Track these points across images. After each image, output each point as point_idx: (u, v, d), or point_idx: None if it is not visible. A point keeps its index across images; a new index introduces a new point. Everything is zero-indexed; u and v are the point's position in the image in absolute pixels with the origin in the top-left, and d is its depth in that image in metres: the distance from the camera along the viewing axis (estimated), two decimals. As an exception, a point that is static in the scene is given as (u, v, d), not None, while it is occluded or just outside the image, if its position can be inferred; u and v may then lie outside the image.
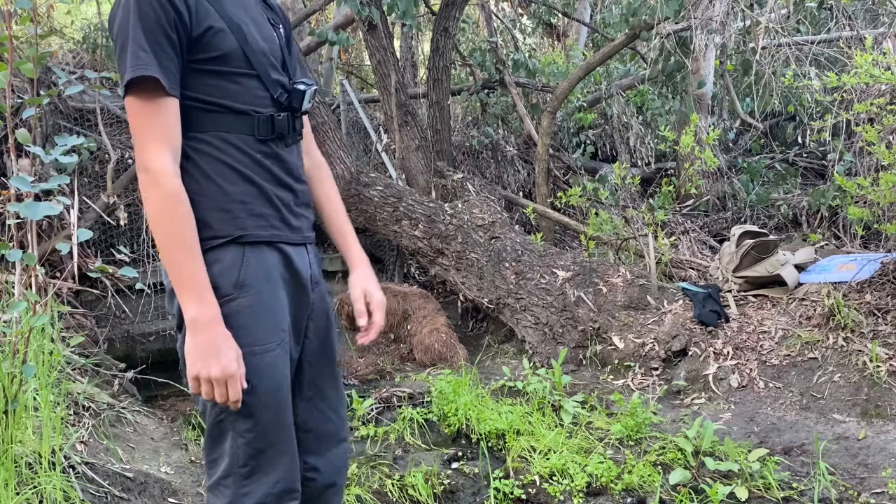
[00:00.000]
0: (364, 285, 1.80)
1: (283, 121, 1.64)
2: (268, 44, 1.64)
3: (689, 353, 4.17)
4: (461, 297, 5.64)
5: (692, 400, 3.88)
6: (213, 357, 1.45)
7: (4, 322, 2.75)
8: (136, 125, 1.48)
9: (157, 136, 1.47)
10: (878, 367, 3.54)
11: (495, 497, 2.96)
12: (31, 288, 2.74)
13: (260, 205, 1.60)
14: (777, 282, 4.43)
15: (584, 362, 4.50)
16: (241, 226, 1.56)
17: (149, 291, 5.14)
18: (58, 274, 4.81)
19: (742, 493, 2.78)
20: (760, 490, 2.84)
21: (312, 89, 1.69)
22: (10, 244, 2.42)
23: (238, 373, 1.48)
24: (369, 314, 1.79)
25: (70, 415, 3.10)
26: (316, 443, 1.76)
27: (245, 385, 1.51)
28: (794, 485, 2.88)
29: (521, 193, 7.84)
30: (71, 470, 2.58)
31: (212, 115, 1.56)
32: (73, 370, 3.62)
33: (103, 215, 5.53)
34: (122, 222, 5.48)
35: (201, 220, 1.54)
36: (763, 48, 6.23)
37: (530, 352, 4.73)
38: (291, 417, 1.64)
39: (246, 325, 1.55)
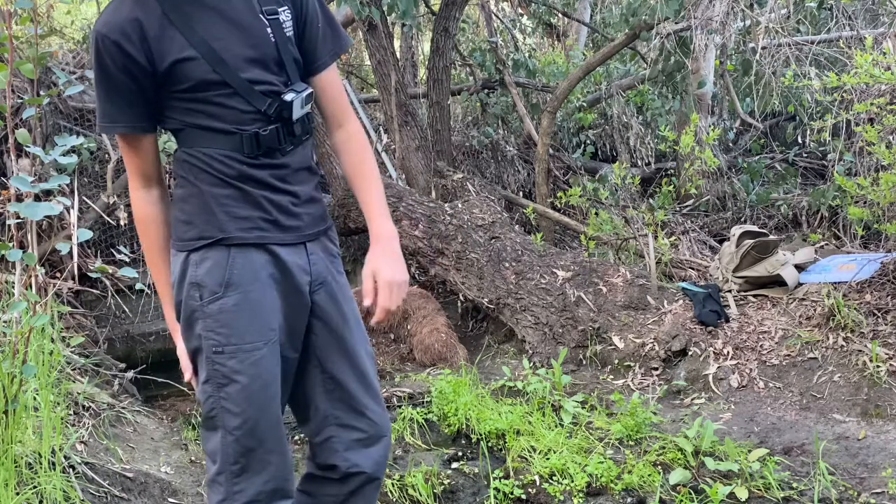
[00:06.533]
0: (375, 264, 1.67)
1: (271, 135, 1.61)
2: (255, 50, 1.59)
3: (689, 353, 4.17)
4: (461, 297, 5.63)
5: (692, 400, 3.88)
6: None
7: (4, 322, 2.75)
8: (122, 156, 1.72)
9: (131, 170, 1.70)
10: (878, 367, 3.54)
11: (495, 497, 2.96)
12: (31, 288, 2.73)
13: (245, 208, 1.63)
14: (777, 282, 4.42)
15: (584, 362, 4.50)
16: (222, 228, 1.62)
17: (148, 291, 5.12)
18: (58, 274, 4.80)
19: (742, 493, 2.78)
20: (760, 490, 2.84)
21: (305, 94, 1.64)
22: (10, 244, 2.41)
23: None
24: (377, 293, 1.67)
25: (70, 415, 3.10)
26: (356, 439, 1.75)
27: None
28: (794, 485, 2.88)
29: (521, 193, 7.83)
30: (71, 470, 2.58)
31: (198, 132, 1.62)
32: (73, 370, 3.62)
33: (103, 215, 5.53)
34: (122, 222, 5.47)
35: (189, 223, 1.64)
36: (763, 48, 6.22)
37: (530, 352, 4.73)
38: (279, 416, 1.68)
39: (232, 322, 1.60)
